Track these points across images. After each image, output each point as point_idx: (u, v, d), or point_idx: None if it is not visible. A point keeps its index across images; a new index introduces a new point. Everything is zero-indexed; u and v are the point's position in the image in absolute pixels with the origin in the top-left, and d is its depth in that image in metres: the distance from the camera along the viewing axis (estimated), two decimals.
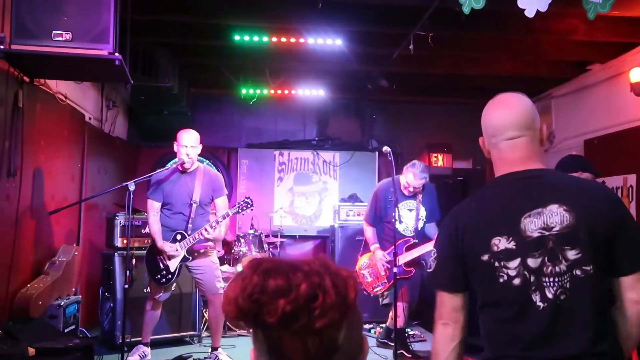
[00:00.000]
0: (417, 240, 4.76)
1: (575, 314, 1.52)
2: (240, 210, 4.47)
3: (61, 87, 4.80)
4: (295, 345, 0.84)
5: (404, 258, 4.67)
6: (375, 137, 8.08)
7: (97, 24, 3.40)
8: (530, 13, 3.65)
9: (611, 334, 1.55)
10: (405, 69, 6.31)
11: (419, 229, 4.83)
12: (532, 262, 1.55)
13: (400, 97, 7.69)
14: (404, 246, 4.71)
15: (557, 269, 1.53)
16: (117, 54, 3.45)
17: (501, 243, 1.58)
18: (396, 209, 4.54)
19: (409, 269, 4.72)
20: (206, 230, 4.28)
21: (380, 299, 4.95)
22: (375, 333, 5.50)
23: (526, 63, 6.27)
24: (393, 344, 4.67)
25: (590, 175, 3.68)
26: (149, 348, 4.51)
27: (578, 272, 1.52)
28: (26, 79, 4.02)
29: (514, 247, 1.57)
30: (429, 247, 4.62)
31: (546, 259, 1.54)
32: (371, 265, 4.85)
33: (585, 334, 1.51)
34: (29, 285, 4.08)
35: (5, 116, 3.78)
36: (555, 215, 1.55)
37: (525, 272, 1.56)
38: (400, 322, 4.63)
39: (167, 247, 4.29)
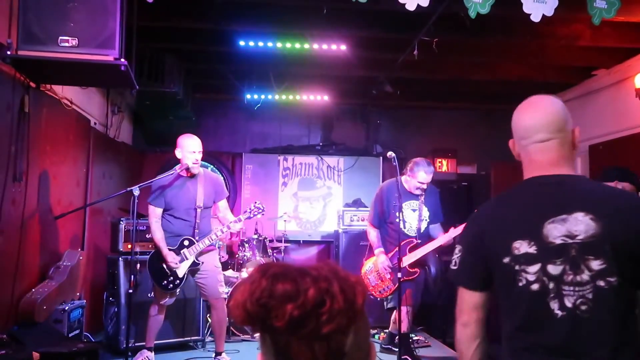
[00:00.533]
0: (419, 241, 4.75)
1: (596, 325, 1.48)
2: (251, 216, 4.46)
3: (67, 93, 4.83)
4: (303, 350, 0.84)
5: (408, 260, 4.67)
6: (380, 142, 8.09)
7: (103, 29, 3.42)
8: (536, 17, 3.66)
9: (633, 345, 1.51)
10: (410, 74, 6.31)
11: (422, 230, 4.83)
12: (552, 269, 1.52)
13: (404, 102, 7.70)
14: (407, 247, 4.71)
15: (579, 278, 1.49)
16: (122, 60, 3.47)
17: (522, 247, 1.56)
18: (400, 209, 4.57)
19: (414, 270, 4.71)
20: (222, 231, 4.35)
21: (385, 303, 4.94)
22: (379, 338, 5.48)
23: (531, 68, 6.27)
24: (397, 349, 4.66)
25: (629, 186, 3.56)
26: (153, 353, 4.51)
27: (602, 283, 1.48)
28: (32, 84, 4.04)
29: (535, 251, 1.54)
30: (431, 247, 4.64)
31: (567, 267, 1.50)
32: (376, 269, 4.83)
33: (607, 345, 1.48)
34: (33, 290, 4.09)
35: (11, 121, 3.80)
36: (580, 224, 1.50)
37: (545, 279, 1.52)
38: (404, 327, 4.61)
39: (170, 257, 4.27)
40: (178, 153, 4.35)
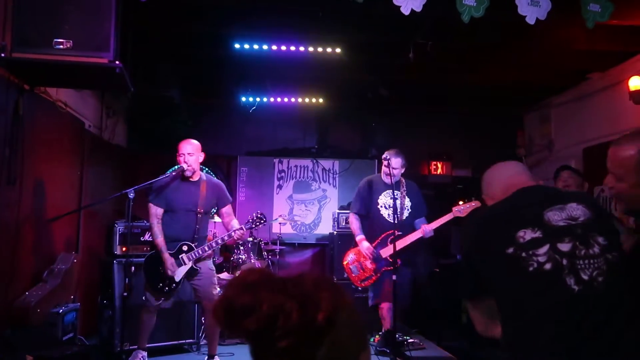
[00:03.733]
0: (400, 232, 4.78)
1: (614, 295, 1.52)
2: (253, 226, 4.51)
3: (61, 95, 4.81)
4: (272, 358, 0.85)
5: (388, 251, 4.74)
6: (375, 145, 8.08)
7: (98, 32, 3.42)
8: (530, 20, 3.68)
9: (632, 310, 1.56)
10: (406, 77, 6.32)
11: (404, 218, 4.89)
12: (562, 247, 1.57)
13: (399, 106, 7.70)
14: (388, 239, 4.78)
15: (591, 251, 1.55)
16: (117, 62, 3.46)
17: (527, 234, 1.60)
18: (382, 195, 4.89)
19: (393, 261, 4.75)
20: (223, 239, 4.50)
21: (370, 301, 4.99)
22: (374, 341, 5.47)
23: (526, 72, 6.28)
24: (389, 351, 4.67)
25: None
26: (146, 352, 4.50)
27: (609, 256, 1.56)
28: (26, 86, 4.02)
29: (541, 235, 1.59)
30: (410, 239, 4.77)
31: (577, 243, 1.57)
32: (358, 260, 4.93)
33: (622, 313, 1.51)
34: (27, 293, 4.06)
35: (5, 124, 3.78)
36: (577, 210, 1.63)
37: (557, 256, 1.56)
38: (387, 324, 4.65)
39: (169, 263, 4.27)
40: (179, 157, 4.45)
